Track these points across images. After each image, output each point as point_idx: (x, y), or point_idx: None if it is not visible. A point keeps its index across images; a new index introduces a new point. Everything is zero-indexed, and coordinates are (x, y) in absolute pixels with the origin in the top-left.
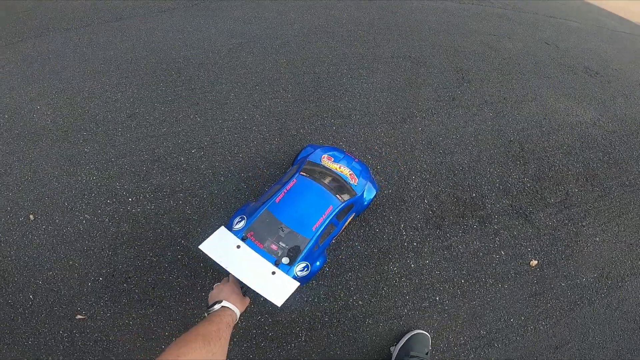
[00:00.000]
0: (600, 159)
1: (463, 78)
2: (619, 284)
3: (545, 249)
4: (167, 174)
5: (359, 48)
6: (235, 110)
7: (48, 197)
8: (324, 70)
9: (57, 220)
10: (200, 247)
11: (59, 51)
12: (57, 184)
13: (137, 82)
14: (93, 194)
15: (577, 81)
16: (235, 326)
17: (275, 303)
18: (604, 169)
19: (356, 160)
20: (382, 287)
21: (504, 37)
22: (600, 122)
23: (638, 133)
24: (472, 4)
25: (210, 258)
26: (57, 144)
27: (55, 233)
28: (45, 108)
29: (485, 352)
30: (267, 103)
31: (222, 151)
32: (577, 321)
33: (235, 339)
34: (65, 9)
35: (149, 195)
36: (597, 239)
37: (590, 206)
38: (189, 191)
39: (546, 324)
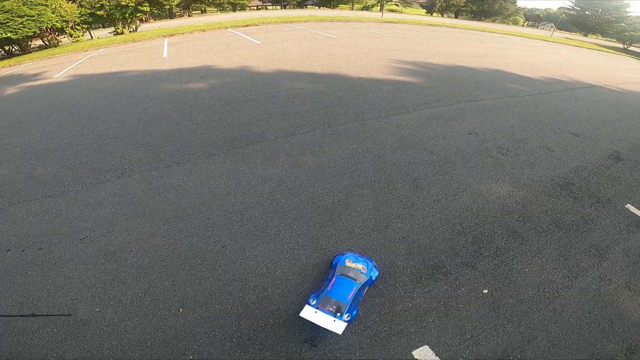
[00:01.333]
0: (516, 219)
1: (417, 186)
2: (556, 294)
3: (491, 282)
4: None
5: (344, 183)
6: (285, 241)
7: None
8: (329, 203)
9: None
10: (300, 315)
11: (139, 193)
12: None
13: (212, 223)
14: None
15: (493, 163)
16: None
17: (337, 332)
18: (520, 225)
19: (364, 257)
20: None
21: (439, 138)
22: (513, 192)
23: (543, 193)
24: (416, 110)
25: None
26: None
27: None
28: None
29: (476, 348)
30: (312, 233)
31: (296, 267)
32: (535, 322)
33: None
34: (125, 156)
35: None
36: (527, 269)
37: (515, 251)
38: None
39: (512, 326)
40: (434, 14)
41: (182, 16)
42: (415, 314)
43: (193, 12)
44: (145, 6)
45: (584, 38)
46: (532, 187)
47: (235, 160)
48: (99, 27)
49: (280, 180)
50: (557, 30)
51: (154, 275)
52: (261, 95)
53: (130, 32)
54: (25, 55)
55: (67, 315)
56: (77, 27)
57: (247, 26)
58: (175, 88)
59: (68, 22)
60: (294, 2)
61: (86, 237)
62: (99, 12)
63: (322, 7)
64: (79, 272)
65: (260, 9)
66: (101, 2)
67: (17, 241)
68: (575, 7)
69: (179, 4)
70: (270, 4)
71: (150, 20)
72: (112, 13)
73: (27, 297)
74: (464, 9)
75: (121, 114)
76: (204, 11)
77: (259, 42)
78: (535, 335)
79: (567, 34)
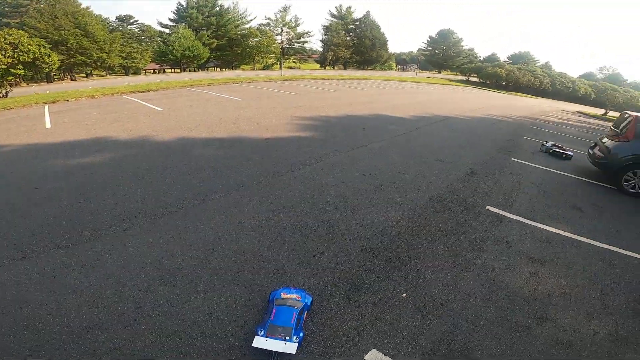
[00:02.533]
0: (411, 235)
1: (329, 225)
2: (457, 286)
3: (406, 287)
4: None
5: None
6: (221, 290)
7: None
8: (257, 251)
9: None
10: (253, 345)
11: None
12: None
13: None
14: None
15: (386, 195)
16: None
17: (292, 352)
18: (415, 239)
19: (297, 288)
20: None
21: (340, 183)
22: (405, 214)
23: (426, 210)
24: (318, 162)
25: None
26: None
27: None
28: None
29: (416, 342)
30: (247, 279)
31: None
32: (452, 310)
33: None
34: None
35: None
36: (429, 271)
37: (417, 259)
38: None
39: (435, 318)
40: (327, 67)
41: (63, 80)
42: (355, 326)
43: (77, 75)
44: (19, 69)
45: (439, 75)
46: (417, 208)
47: (153, 230)
48: None
49: (202, 242)
50: (420, 70)
51: (89, 342)
52: (168, 165)
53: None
54: None
55: None
56: None
57: (144, 91)
58: (67, 164)
59: None
60: (195, 65)
61: None
62: None
63: (223, 69)
64: None
65: (157, 72)
66: None
67: None
68: (428, 48)
69: (60, 66)
70: (168, 67)
71: (23, 85)
72: None
73: None
74: (350, 60)
75: (6, 194)
76: (89, 74)
77: (160, 109)
78: (457, 322)
79: (427, 73)
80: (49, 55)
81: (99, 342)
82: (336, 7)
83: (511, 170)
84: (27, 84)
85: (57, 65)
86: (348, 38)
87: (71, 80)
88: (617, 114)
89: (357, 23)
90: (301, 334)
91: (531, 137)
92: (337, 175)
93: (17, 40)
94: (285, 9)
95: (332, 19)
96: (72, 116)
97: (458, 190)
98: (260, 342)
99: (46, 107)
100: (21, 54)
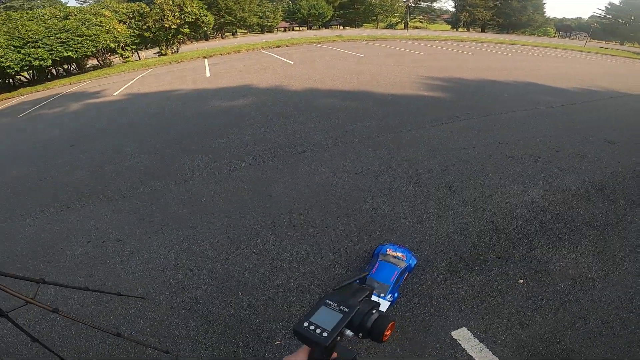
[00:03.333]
0: (549, 219)
1: (450, 189)
2: (592, 286)
3: (526, 273)
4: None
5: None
6: (331, 235)
7: None
8: (370, 204)
9: None
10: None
11: (209, 193)
12: None
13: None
14: None
15: (524, 169)
16: None
17: (381, 310)
18: (554, 224)
19: (403, 247)
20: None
21: (470, 148)
22: (546, 195)
23: (576, 196)
24: (446, 123)
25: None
26: None
27: None
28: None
29: (514, 332)
30: (357, 228)
31: (340, 257)
32: (573, 310)
33: None
34: (188, 165)
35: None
36: (561, 263)
37: (549, 246)
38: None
39: (550, 313)
40: (460, 29)
41: (215, 38)
42: (453, 300)
43: (225, 34)
44: (185, 29)
45: (620, 47)
46: (565, 191)
47: (285, 168)
48: (142, 48)
49: (323, 184)
50: (591, 39)
51: (217, 264)
52: (300, 110)
53: (172, 53)
54: (83, 74)
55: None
56: (127, 47)
57: (279, 47)
58: (221, 105)
59: (119, 43)
60: (320, 23)
61: (158, 230)
62: (146, 34)
63: (346, 27)
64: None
65: (287, 30)
66: (148, 25)
67: (97, 234)
68: (607, 16)
69: (213, 26)
70: (297, 25)
71: (188, 42)
72: (157, 35)
73: (108, 280)
74: (490, 22)
75: (180, 127)
76: (234, 33)
77: (292, 62)
78: (573, 323)
79: (602, 43)
80: (206, 16)
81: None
82: None
83: None
84: (191, 42)
85: (212, 25)
86: None
87: (222, 38)
88: None
89: None
90: (396, 294)
91: None
92: (467, 140)
93: (182, 2)
94: None
95: None
96: (224, 67)
97: (629, 180)
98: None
99: (206, 60)
100: (186, 14)
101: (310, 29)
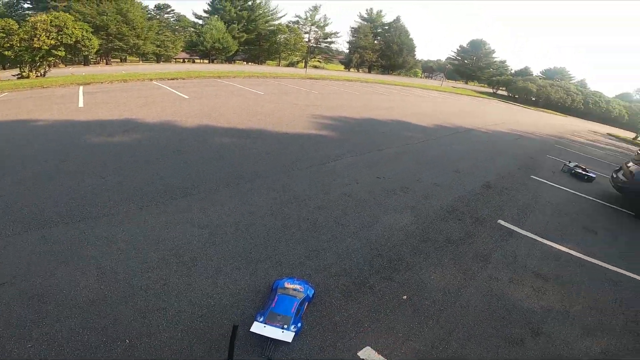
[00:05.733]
0: (418, 240)
1: (337, 223)
2: (458, 294)
3: (407, 290)
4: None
5: None
6: (227, 275)
7: None
8: (263, 240)
9: None
10: (251, 330)
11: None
12: None
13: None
14: None
15: (397, 199)
16: None
17: (288, 340)
18: (422, 244)
19: (300, 279)
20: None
21: (354, 183)
22: (414, 220)
23: (436, 218)
24: (335, 161)
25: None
26: None
27: None
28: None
29: (410, 344)
30: (251, 267)
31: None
32: (450, 317)
33: None
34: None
35: None
36: (432, 277)
37: (422, 264)
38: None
39: (433, 322)
40: (351, 69)
41: (98, 64)
42: (353, 322)
43: (112, 60)
44: (60, 50)
45: (466, 85)
46: (428, 215)
47: (170, 211)
48: None
49: (216, 226)
50: (447, 79)
51: (92, 314)
52: (190, 150)
53: (37, 76)
54: None
55: None
56: None
57: (174, 79)
58: (96, 141)
59: None
60: (223, 57)
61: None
62: (6, 53)
63: (249, 63)
64: None
65: (187, 61)
66: (11, 42)
67: None
68: (458, 57)
69: (97, 50)
70: (198, 57)
71: (61, 66)
72: (20, 55)
73: None
74: (375, 64)
75: (38, 164)
76: (123, 60)
77: (186, 97)
78: (453, 328)
79: (454, 83)
80: (90, 39)
81: (100, 316)
82: (367, 10)
83: (529, 187)
84: (65, 65)
85: (96, 49)
86: (375, 42)
87: (106, 64)
88: None
89: (387, 27)
90: (299, 324)
91: (554, 156)
92: (352, 176)
93: (63, 24)
94: (316, 8)
95: (361, 21)
96: (103, 97)
97: (472, 202)
98: (259, 327)
99: (81, 87)
100: (65, 36)
101: (212, 62)
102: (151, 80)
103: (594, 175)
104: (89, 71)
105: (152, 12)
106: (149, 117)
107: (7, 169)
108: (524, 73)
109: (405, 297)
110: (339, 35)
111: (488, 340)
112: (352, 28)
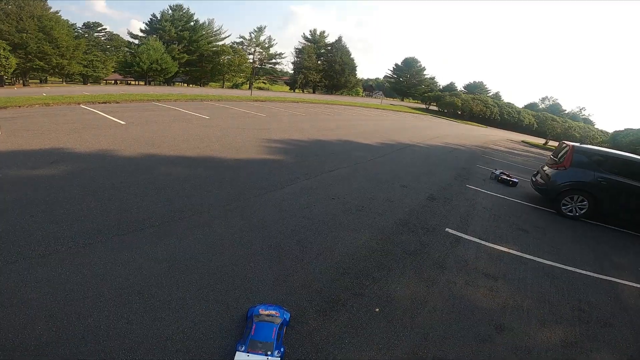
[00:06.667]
0: (380, 255)
1: (302, 246)
2: (425, 300)
3: (378, 302)
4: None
5: None
6: (195, 308)
7: None
8: (230, 271)
9: None
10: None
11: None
12: None
13: None
14: None
15: (354, 218)
16: None
17: None
18: (384, 258)
19: (274, 304)
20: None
21: (312, 206)
22: (373, 236)
23: (393, 233)
24: (289, 185)
25: None
26: None
27: None
28: None
29: (392, 353)
30: (221, 297)
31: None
32: (422, 323)
33: None
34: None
35: None
36: (397, 287)
37: (387, 277)
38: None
39: (407, 330)
40: (296, 90)
41: (14, 85)
42: (333, 340)
43: (30, 81)
44: None
45: (402, 102)
46: (385, 230)
47: (119, 247)
48: None
49: (173, 260)
50: (385, 97)
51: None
52: (132, 182)
53: None
54: None
55: None
56: None
57: (106, 102)
58: (18, 175)
59: None
60: (161, 79)
61: None
62: None
63: (191, 85)
64: None
65: (120, 83)
66: None
67: None
68: (394, 75)
69: (14, 70)
70: (132, 79)
71: None
72: None
73: None
74: (319, 84)
75: None
76: (44, 80)
77: (122, 122)
78: (427, 332)
79: (392, 100)
80: (7, 58)
81: None
82: (310, 31)
83: (466, 195)
84: None
85: (13, 69)
86: (319, 62)
87: (23, 85)
88: (556, 144)
89: (329, 47)
90: (282, 349)
91: (483, 165)
92: (308, 199)
93: None
94: (260, 29)
95: (305, 42)
96: (23, 124)
97: (420, 213)
98: (242, 357)
99: None
100: None
101: (149, 84)
102: (78, 104)
103: (516, 180)
104: (3, 93)
105: (80, 31)
106: (80, 146)
107: None
108: (450, 88)
109: (377, 309)
110: (284, 56)
111: (461, 339)
112: (297, 49)
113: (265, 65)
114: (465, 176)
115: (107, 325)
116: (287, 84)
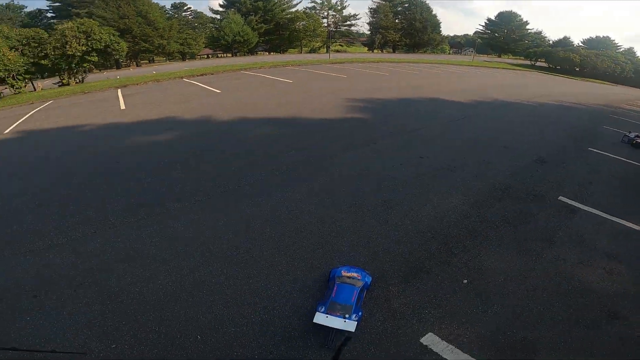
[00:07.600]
0: (474, 221)
1: (388, 206)
2: (524, 277)
3: (467, 273)
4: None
5: None
6: (283, 266)
7: None
8: (322, 225)
9: None
10: (314, 321)
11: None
12: None
13: None
14: None
15: (445, 178)
16: None
17: (351, 330)
18: (478, 225)
19: (356, 267)
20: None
21: (397, 165)
22: (466, 200)
23: (490, 197)
24: (373, 144)
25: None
26: None
27: None
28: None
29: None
30: (307, 255)
31: (297, 285)
32: (515, 301)
33: None
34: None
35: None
36: (492, 259)
37: (480, 246)
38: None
39: (497, 307)
40: (375, 51)
41: (130, 66)
42: (413, 308)
43: (141, 62)
44: (93, 56)
45: (499, 59)
46: (481, 194)
47: (224, 205)
48: (38, 77)
49: (263, 216)
50: (477, 54)
51: (166, 310)
52: (233, 143)
53: (76, 82)
54: None
55: (82, 353)
56: (19, 77)
57: (203, 75)
58: (142, 140)
59: (10, 72)
60: (245, 50)
61: (82, 283)
62: (43, 62)
63: (272, 53)
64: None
65: (210, 57)
66: (45, 52)
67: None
68: (487, 31)
69: (127, 54)
70: (221, 52)
71: (95, 71)
72: (57, 63)
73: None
74: (399, 43)
75: (93, 168)
76: (151, 61)
77: (218, 91)
78: (519, 312)
79: (485, 57)
80: (119, 43)
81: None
82: None
83: (587, 160)
84: (100, 71)
85: (125, 52)
86: (397, 20)
87: (137, 66)
88: None
89: (407, 5)
90: (360, 313)
91: (611, 127)
92: (393, 157)
93: (90, 29)
94: None
95: (379, 1)
96: (141, 98)
97: (526, 178)
98: (321, 318)
99: (119, 90)
100: (94, 41)
101: (235, 55)
102: (182, 78)
103: None
104: (122, 74)
105: (170, 12)
106: (187, 114)
107: (73, 172)
108: (564, 43)
109: (465, 281)
110: (358, 17)
111: (560, 323)
112: (371, 9)
113: (340, 28)
114: (587, 138)
115: (211, 281)
116: (364, 45)
